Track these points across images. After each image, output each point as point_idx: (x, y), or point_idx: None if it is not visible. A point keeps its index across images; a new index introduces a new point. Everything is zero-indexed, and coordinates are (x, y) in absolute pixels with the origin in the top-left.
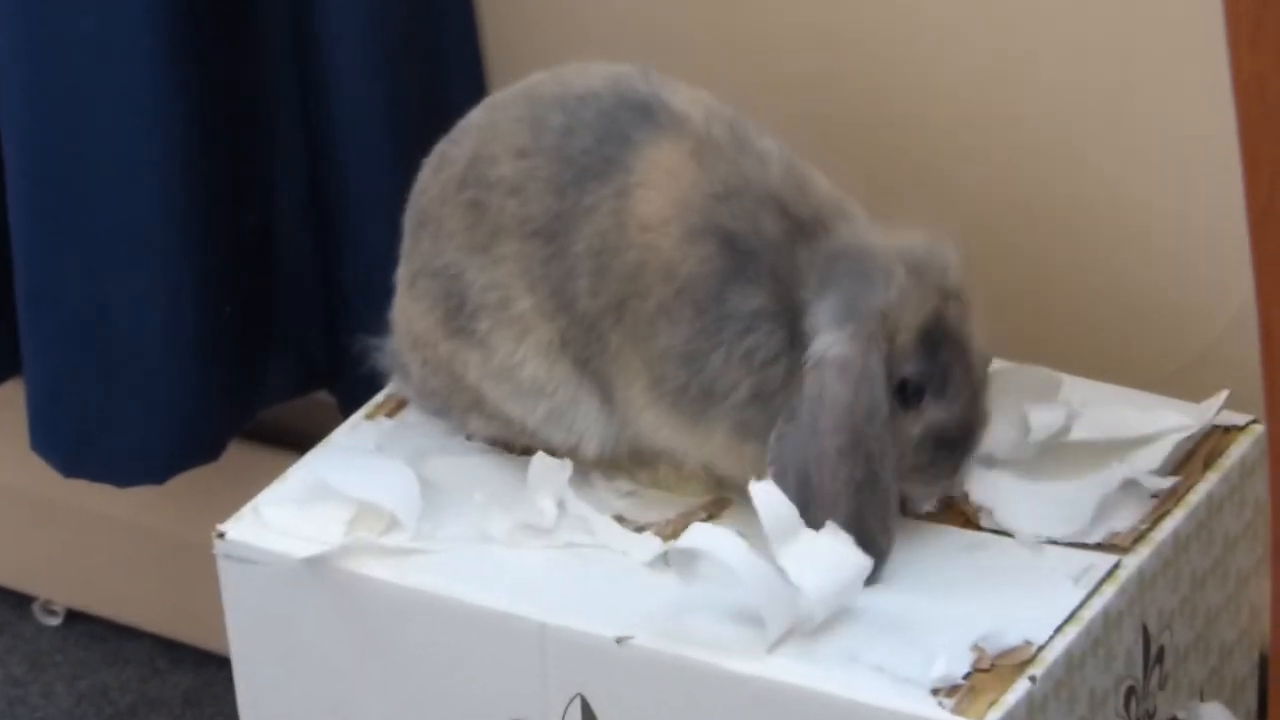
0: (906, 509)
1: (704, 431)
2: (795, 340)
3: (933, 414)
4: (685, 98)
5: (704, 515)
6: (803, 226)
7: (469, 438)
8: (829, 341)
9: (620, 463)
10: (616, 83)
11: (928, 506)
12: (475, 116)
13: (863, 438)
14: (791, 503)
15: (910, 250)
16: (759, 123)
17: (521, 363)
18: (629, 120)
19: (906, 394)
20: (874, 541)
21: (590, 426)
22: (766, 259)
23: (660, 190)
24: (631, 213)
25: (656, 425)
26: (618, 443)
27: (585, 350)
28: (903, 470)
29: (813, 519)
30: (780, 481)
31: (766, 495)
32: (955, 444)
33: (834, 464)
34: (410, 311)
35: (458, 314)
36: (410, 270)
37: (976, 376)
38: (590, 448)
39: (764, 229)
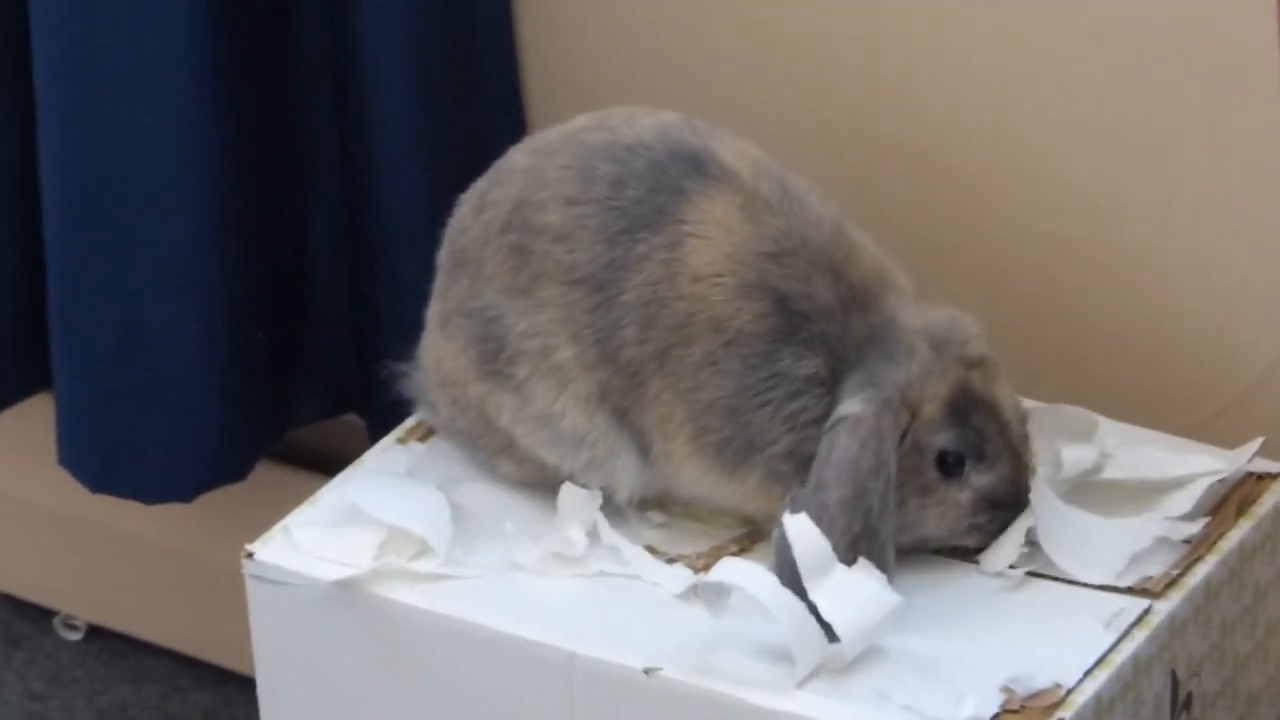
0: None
1: (740, 479)
2: (834, 410)
3: (977, 480)
4: (734, 151)
5: (736, 549)
6: (854, 293)
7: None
8: (846, 405)
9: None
10: (666, 133)
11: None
12: (519, 160)
13: (865, 492)
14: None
15: (932, 326)
16: (805, 180)
17: (561, 413)
18: (680, 172)
19: (947, 464)
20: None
21: (625, 477)
22: (819, 324)
23: (713, 243)
24: (684, 263)
25: (695, 476)
26: (648, 491)
27: (624, 400)
28: (958, 535)
29: None
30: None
31: (800, 529)
32: (1007, 504)
33: (834, 515)
34: (442, 350)
35: (494, 357)
36: (444, 309)
37: (1014, 434)
38: (624, 493)
39: (816, 293)
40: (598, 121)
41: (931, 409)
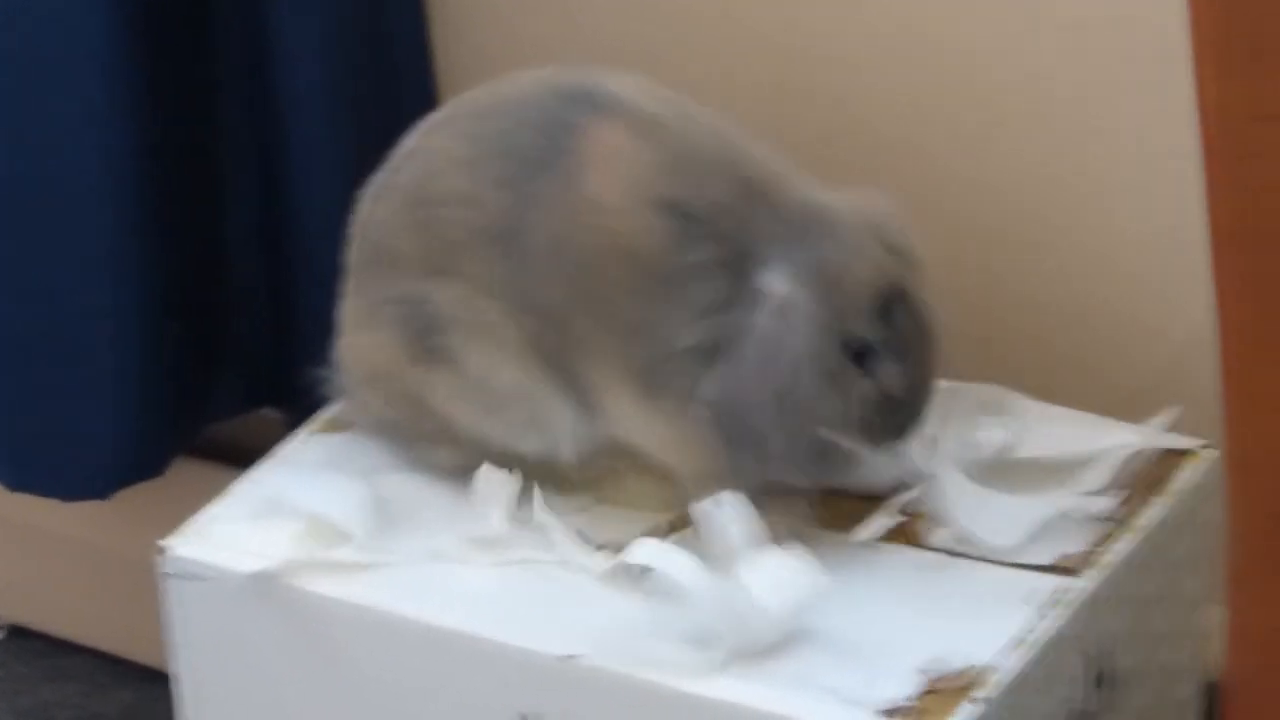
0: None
1: (662, 407)
2: (744, 294)
3: (885, 375)
4: (620, 81)
5: (666, 532)
6: (752, 188)
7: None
8: (777, 286)
9: (584, 475)
10: (546, 79)
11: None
12: (409, 143)
13: (799, 377)
14: (745, 515)
15: (863, 209)
16: (698, 103)
17: (495, 370)
18: (567, 108)
19: (861, 353)
20: (796, 480)
21: (566, 429)
22: (718, 221)
23: (608, 169)
24: (583, 194)
25: (623, 409)
26: (592, 443)
27: (552, 344)
28: (849, 425)
29: (740, 454)
30: (709, 414)
31: (713, 514)
32: (903, 406)
33: (764, 401)
34: (367, 345)
35: (425, 337)
36: (362, 305)
37: (930, 341)
38: (566, 450)
39: (712, 194)
40: (479, 91)
41: (858, 293)
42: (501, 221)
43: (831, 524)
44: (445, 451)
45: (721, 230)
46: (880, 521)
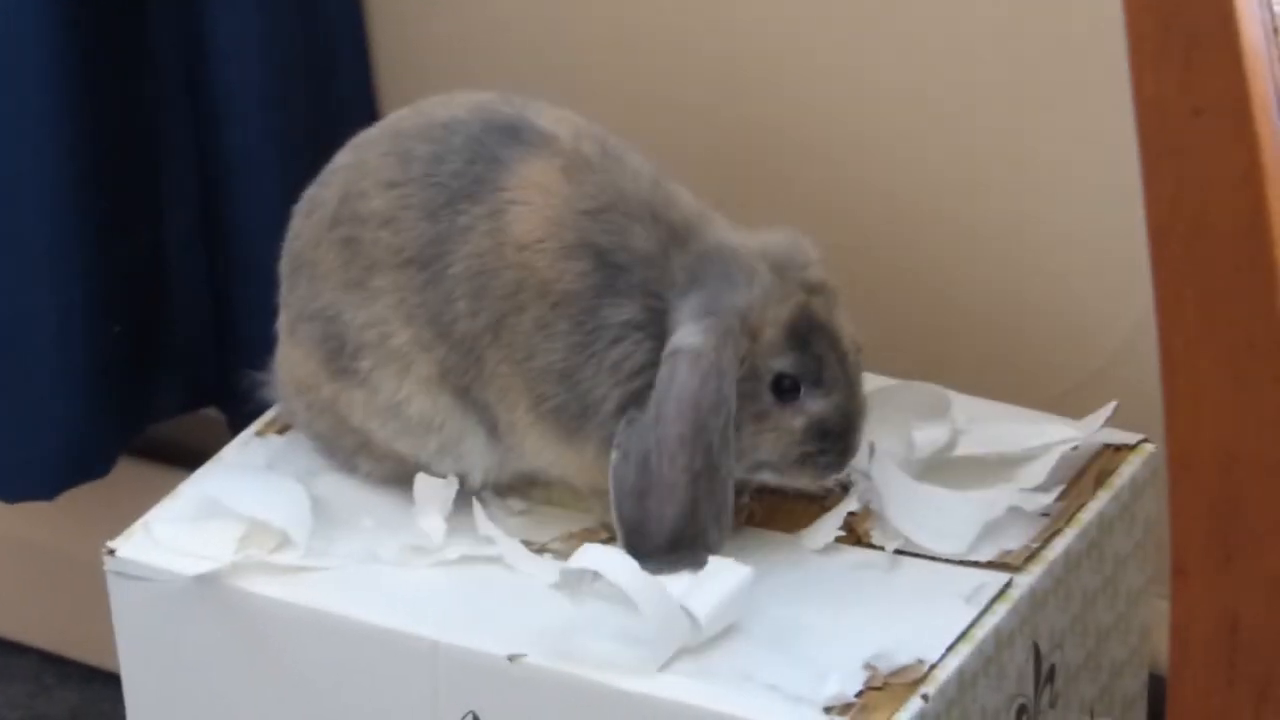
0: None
1: (579, 447)
2: (664, 354)
3: (812, 405)
4: (551, 117)
5: (606, 536)
6: (674, 234)
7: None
8: (684, 334)
9: (513, 483)
10: (480, 108)
11: (820, 490)
12: (341, 158)
13: (705, 428)
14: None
15: (771, 249)
16: (625, 142)
17: (407, 399)
18: (497, 141)
19: (783, 388)
20: (705, 534)
21: (477, 459)
22: (638, 272)
23: (534, 208)
24: (506, 231)
25: (539, 447)
26: (501, 472)
27: (464, 377)
28: (789, 463)
29: (650, 506)
30: (622, 467)
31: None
32: (839, 433)
33: (674, 450)
34: (292, 357)
35: (339, 355)
36: (289, 317)
37: (851, 364)
38: (475, 478)
39: (635, 243)
40: (413, 109)
41: (772, 333)
42: (421, 249)
43: (776, 524)
44: (367, 464)
45: (641, 281)
46: (829, 528)
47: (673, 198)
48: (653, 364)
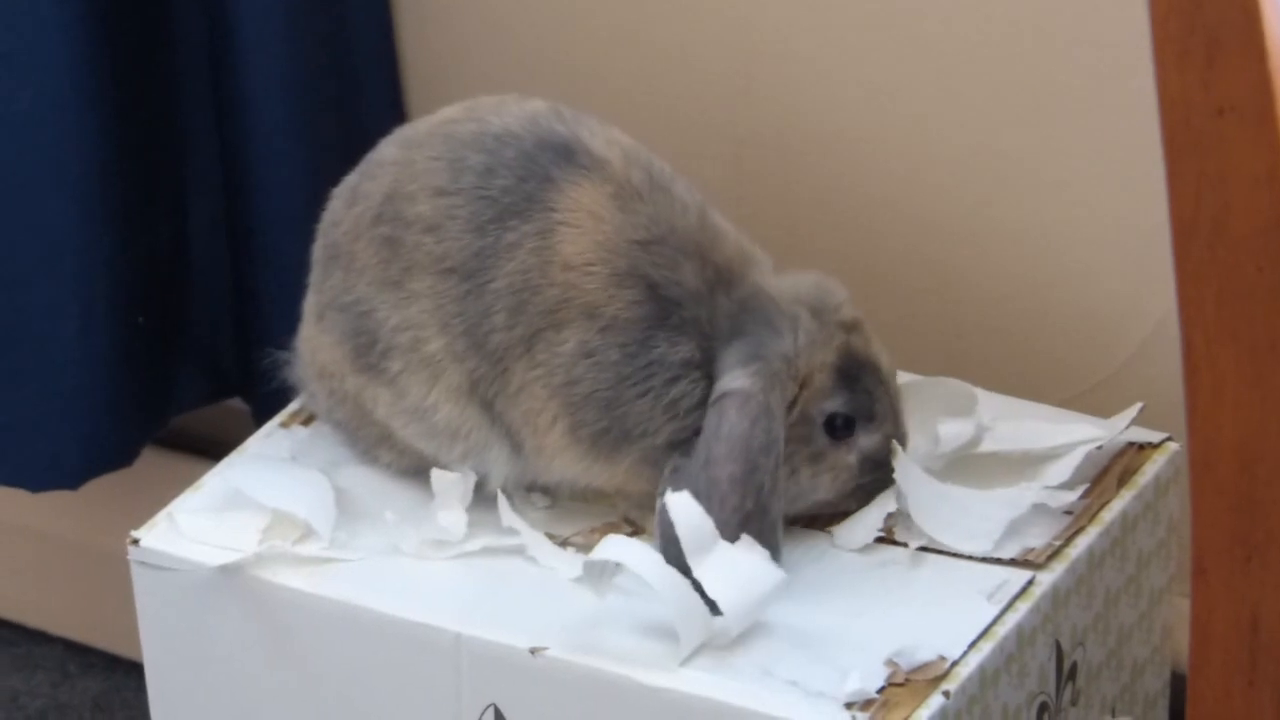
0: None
1: (614, 463)
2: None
3: (865, 441)
4: (602, 139)
5: (629, 530)
6: (719, 275)
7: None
8: (731, 378)
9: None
10: (534, 122)
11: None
12: (389, 152)
13: (756, 468)
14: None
15: (804, 293)
16: (669, 167)
17: (434, 406)
18: (549, 160)
19: (837, 428)
20: None
21: (498, 468)
22: (690, 309)
23: (584, 230)
24: (555, 250)
25: (568, 464)
26: (522, 479)
27: (490, 390)
28: (843, 498)
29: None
30: (667, 515)
31: (682, 506)
32: (887, 464)
33: (725, 492)
34: (317, 342)
35: (368, 351)
36: (319, 302)
37: (894, 392)
38: (494, 483)
39: (685, 279)
40: (465, 112)
41: (820, 377)
42: (464, 260)
43: (807, 523)
44: (388, 455)
45: (694, 319)
46: (868, 528)
47: (719, 236)
48: (704, 403)
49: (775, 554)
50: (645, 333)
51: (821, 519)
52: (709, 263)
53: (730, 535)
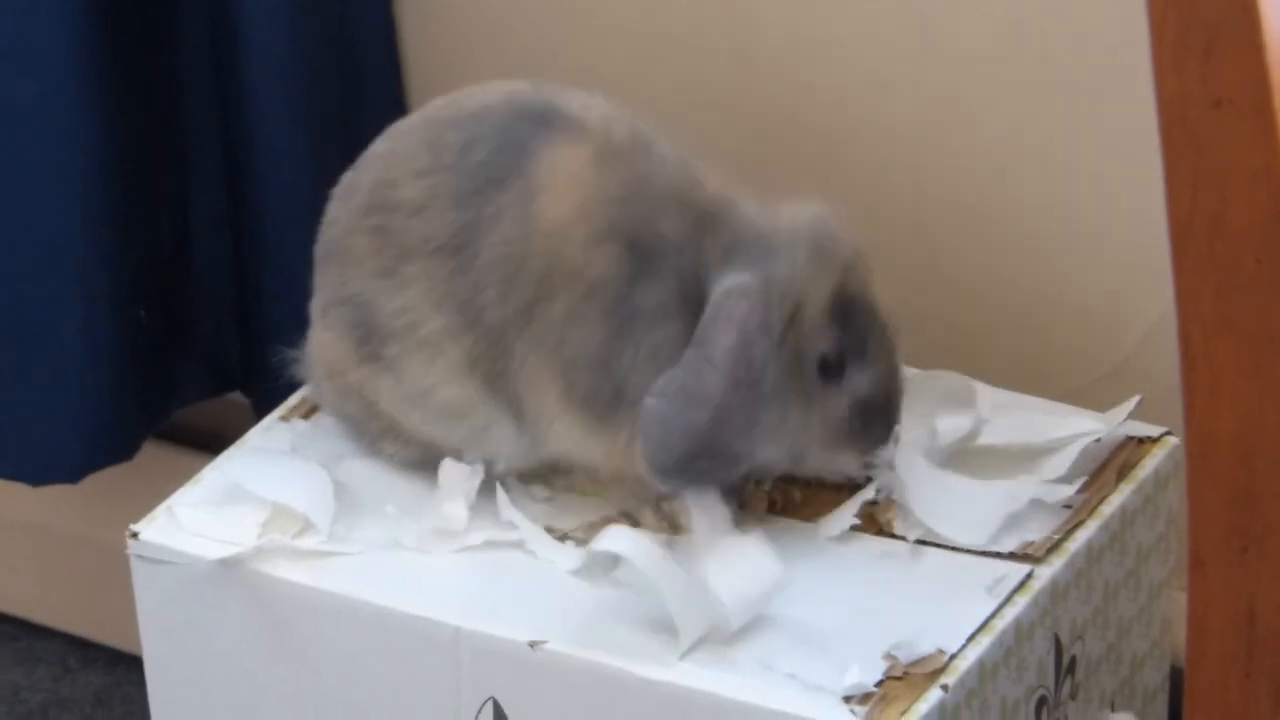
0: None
1: (611, 433)
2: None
3: (856, 382)
4: (580, 103)
5: (629, 522)
6: (703, 219)
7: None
8: (729, 279)
9: (537, 470)
10: (510, 96)
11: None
12: (377, 146)
13: (751, 343)
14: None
15: (801, 227)
16: (654, 122)
17: (434, 387)
18: (526, 128)
19: (829, 366)
20: (732, 446)
21: (503, 446)
22: (670, 258)
23: (562, 195)
24: (535, 217)
25: (567, 433)
26: (527, 459)
27: (493, 366)
28: (837, 442)
29: (680, 416)
30: (660, 398)
31: (702, 499)
32: (881, 410)
33: (719, 358)
34: (322, 341)
35: (367, 341)
36: (321, 301)
37: (890, 337)
38: (500, 465)
39: (665, 229)
40: (448, 98)
41: (814, 313)
42: (450, 237)
43: (796, 513)
44: (394, 447)
45: (674, 267)
46: (845, 516)
47: (700, 181)
48: (686, 344)
49: (755, 428)
50: (625, 288)
51: (806, 511)
52: (690, 209)
53: (717, 399)
